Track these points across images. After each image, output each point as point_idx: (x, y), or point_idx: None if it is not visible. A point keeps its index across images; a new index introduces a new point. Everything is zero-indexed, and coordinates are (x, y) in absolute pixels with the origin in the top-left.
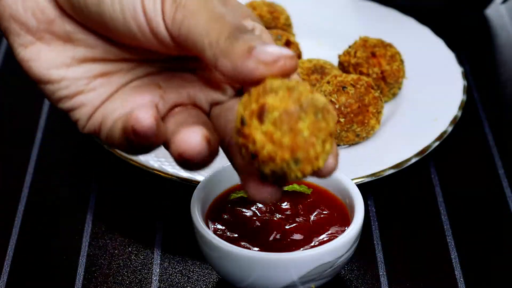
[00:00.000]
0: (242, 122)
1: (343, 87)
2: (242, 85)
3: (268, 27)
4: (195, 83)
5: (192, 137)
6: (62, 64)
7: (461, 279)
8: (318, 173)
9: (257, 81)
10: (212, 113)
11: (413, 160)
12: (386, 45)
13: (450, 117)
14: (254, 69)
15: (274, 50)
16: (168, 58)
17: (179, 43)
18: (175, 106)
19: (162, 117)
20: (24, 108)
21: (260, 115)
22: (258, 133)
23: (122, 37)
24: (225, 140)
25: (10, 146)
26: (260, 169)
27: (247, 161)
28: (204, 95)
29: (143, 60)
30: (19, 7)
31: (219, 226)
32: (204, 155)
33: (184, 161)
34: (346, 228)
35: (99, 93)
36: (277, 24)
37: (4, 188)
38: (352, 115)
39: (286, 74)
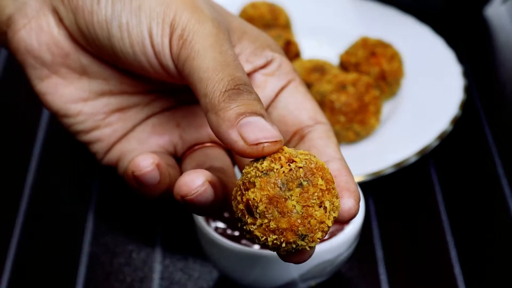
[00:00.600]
0: (240, 221)
1: (343, 87)
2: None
3: (268, 27)
4: None
5: (195, 180)
6: (79, 99)
7: (461, 278)
8: (340, 222)
9: (236, 152)
10: None
11: (413, 159)
12: (386, 45)
13: (450, 116)
14: (235, 141)
15: (259, 130)
16: (185, 90)
17: (184, 78)
18: (195, 145)
19: (182, 158)
20: (25, 108)
21: (250, 212)
22: (256, 230)
23: (134, 69)
24: None
25: (11, 146)
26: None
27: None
28: None
29: (159, 92)
30: (34, 41)
31: (220, 225)
32: (208, 198)
33: (187, 204)
34: (346, 227)
35: (116, 129)
36: (277, 24)
37: (6, 188)
38: (352, 114)
39: (262, 156)
